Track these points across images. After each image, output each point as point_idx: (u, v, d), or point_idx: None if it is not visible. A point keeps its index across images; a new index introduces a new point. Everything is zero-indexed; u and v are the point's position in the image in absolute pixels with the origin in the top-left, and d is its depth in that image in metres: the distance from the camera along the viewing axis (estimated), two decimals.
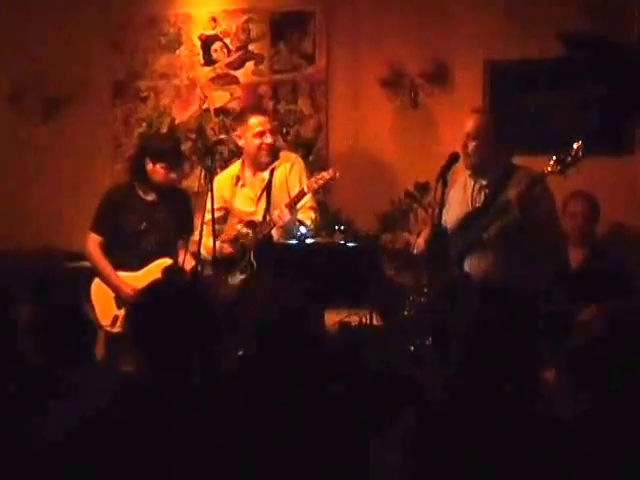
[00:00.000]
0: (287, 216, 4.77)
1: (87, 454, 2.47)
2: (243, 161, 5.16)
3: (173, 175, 5.00)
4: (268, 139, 5.00)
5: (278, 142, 6.00)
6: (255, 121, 5.03)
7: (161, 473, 2.45)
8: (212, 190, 4.64)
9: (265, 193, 5.02)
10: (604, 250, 4.93)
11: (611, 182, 5.20)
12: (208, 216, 4.69)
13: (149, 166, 4.98)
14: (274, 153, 5.06)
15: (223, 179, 5.16)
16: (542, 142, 5.02)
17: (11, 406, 2.73)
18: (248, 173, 5.10)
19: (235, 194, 5.09)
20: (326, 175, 4.72)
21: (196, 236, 4.82)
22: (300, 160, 5.16)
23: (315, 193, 4.87)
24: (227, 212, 5.19)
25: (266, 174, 5.02)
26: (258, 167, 5.07)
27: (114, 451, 2.47)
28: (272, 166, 5.02)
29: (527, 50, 5.40)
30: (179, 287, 3.45)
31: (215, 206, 4.90)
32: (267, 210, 4.98)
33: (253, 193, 5.07)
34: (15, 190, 6.49)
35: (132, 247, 5.00)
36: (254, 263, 4.88)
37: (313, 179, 4.79)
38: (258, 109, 5.42)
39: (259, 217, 5.02)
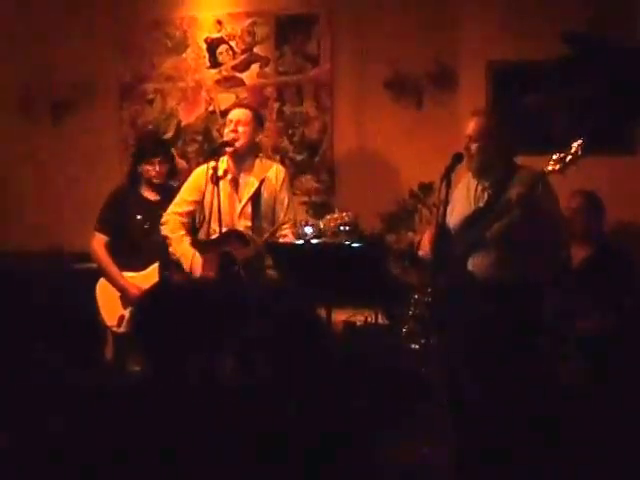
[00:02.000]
0: (292, 238, 4.76)
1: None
2: (228, 157, 4.98)
3: (160, 169, 5.08)
4: (232, 127, 4.87)
5: (284, 143, 6.08)
6: (231, 112, 5.00)
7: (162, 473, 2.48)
8: (219, 193, 4.64)
9: (252, 202, 4.90)
10: (609, 248, 4.95)
11: (614, 181, 5.22)
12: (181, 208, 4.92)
13: (140, 168, 5.10)
14: (245, 148, 4.89)
15: (204, 172, 4.86)
16: (545, 142, 5.05)
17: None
18: (236, 170, 4.94)
19: (219, 189, 4.69)
20: (344, 217, 4.57)
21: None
22: (286, 173, 5.03)
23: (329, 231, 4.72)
24: (199, 207, 4.93)
25: (254, 180, 4.91)
26: (240, 163, 4.92)
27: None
28: (263, 176, 4.92)
29: (530, 51, 5.41)
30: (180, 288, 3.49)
31: (190, 198, 4.95)
32: (254, 224, 4.86)
33: (239, 194, 4.92)
34: (23, 193, 6.54)
35: (136, 247, 5.06)
36: (242, 275, 4.73)
37: (330, 218, 4.59)
38: (243, 104, 5.36)
39: (240, 225, 4.86)
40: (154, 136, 5.78)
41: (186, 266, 4.79)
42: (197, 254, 4.79)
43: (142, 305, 4.35)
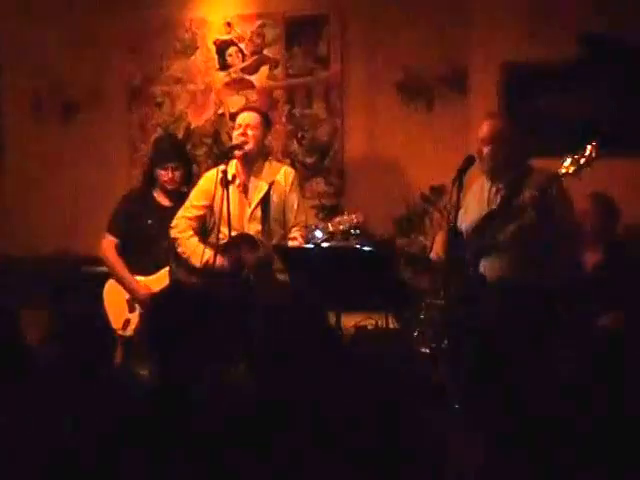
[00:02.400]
0: (301, 242, 4.74)
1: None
2: (237, 161, 4.93)
3: (173, 175, 5.03)
4: (241, 131, 4.84)
5: (293, 146, 6.04)
6: (239, 116, 4.98)
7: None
8: (228, 196, 4.61)
9: (262, 206, 4.86)
10: (622, 250, 4.91)
11: (631, 183, 5.17)
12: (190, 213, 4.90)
13: (155, 173, 5.07)
14: (255, 151, 4.87)
15: (215, 174, 4.86)
16: (559, 144, 4.99)
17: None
18: (245, 174, 4.91)
19: (229, 193, 4.66)
20: (354, 219, 4.52)
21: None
22: (295, 175, 5.01)
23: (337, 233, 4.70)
24: (209, 211, 4.91)
25: (264, 185, 4.88)
26: (249, 167, 4.90)
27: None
28: (272, 179, 4.88)
29: (543, 52, 5.37)
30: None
31: (200, 203, 4.92)
32: (264, 227, 4.83)
33: (248, 198, 4.89)
34: (32, 195, 6.53)
35: (146, 251, 5.03)
36: (252, 279, 4.73)
37: (339, 220, 4.55)
38: (251, 107, 5.31)
39: (250, 229, 4.85)
40: (170, 140, 5.59)
41: (197, 262, 4.76)
42: (207, 249, 4.75)
43: (153, 308, 4.32)
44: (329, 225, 4.58)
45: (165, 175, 5.05)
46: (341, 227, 4.57)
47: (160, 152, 5.14)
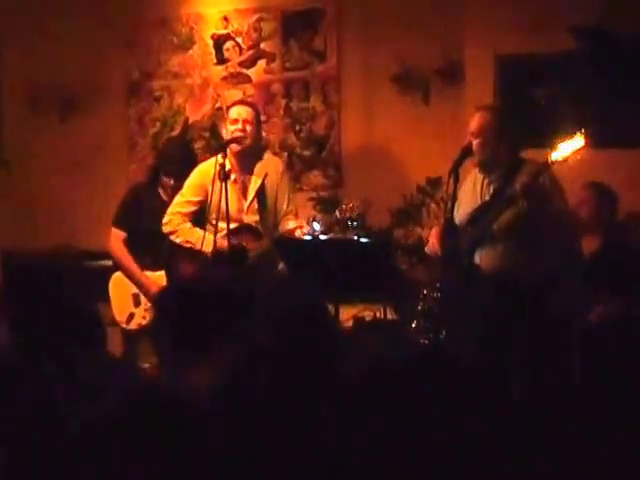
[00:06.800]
0: (306, 227, 4.76)
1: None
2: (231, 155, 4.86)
3: (176, 183, 5.01)
4: (239, 126, 4.80)
5: (291, 139, 6.07)
6: (234, 109, 4.94)
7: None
8: (226, 190, 4.61)
9: (258, 199, 4.87)
10: (619, 239, 4.93)
11: (628, 174, 5.19)
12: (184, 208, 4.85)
13: (161, 173, 5.06)
14: (252, 147, 4.86)
15: (209, 169, 4.77)
16: (554, 136, 5.02)
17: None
18: (240, 169, 4.88)
19: (225, 188, 4.59)
20: (355, 208, 4.60)
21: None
22: (283, 164, 5.05)
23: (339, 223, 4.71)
24: (207, 206, 4.84)
25: (257, 177, 4.87)
26: (245, 161, 4.88)
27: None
28: (265, 171, 4.87)
29: (538, 44, 5.38)
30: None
31: (195, 199, 4.87)
32: (262, 218, 4.85)
33: (245, 192, 4.89)
34: (31, 189, 6.55)
35: (153, 247, 5.00)
36: (255, 269, 4.75)
37: (346, 208, 4.61)
38: (246, 102, 5.27)
39: (248, 221, 4.86)
40: (180, 150, 5.38)
41: (198, 245, 4.73)
42: (207, 234, 4.73)
43: (161, 302, 4.35)
44: (336, 212, 4.62)
45: (168, 182, 5.04)
46: (347, 215, 4.61)
47: (168, 160, 5.11)
